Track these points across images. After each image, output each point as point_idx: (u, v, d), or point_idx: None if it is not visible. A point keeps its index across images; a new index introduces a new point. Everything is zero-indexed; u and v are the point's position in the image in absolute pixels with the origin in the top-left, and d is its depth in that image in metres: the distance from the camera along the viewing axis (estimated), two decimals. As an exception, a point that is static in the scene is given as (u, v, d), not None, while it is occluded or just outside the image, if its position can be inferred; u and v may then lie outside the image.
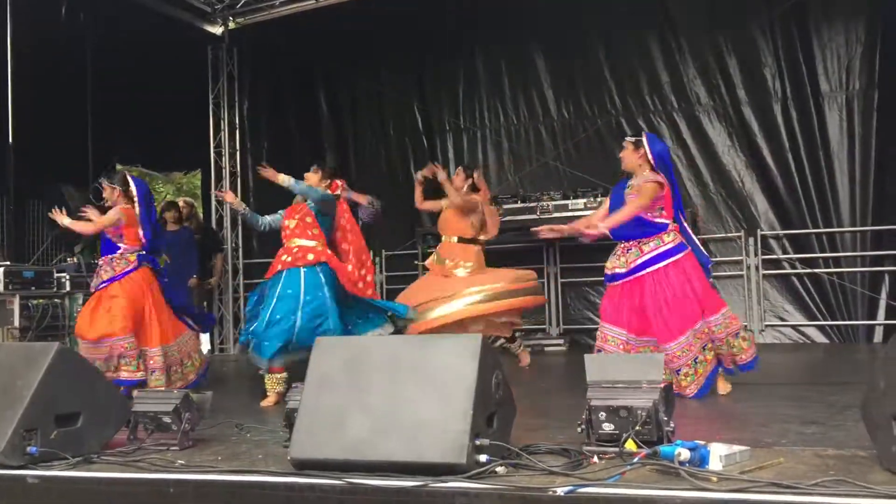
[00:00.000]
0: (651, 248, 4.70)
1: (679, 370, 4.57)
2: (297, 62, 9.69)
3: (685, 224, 4.88)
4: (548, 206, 7.71)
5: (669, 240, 4.71)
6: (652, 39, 8.51)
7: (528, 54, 9.01)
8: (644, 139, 4.85)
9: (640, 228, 4.72)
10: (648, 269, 4.67)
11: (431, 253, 6.82)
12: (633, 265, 4.71)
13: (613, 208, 4.84)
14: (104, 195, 5.68)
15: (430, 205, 6.76)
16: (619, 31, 8.60)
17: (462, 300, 6.21)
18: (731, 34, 8.20)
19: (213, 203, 9.92)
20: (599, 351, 4.77)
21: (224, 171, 9.92)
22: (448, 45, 9.22)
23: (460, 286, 6.28)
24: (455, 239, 6.52)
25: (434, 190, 6.73)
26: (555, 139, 8.93)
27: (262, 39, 9.58)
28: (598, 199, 7.92)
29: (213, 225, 9.79)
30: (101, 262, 5.60)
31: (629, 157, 4.85)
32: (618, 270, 4.78)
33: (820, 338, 7.85)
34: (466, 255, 6.44)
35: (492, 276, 6.41)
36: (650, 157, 4.76)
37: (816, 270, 7.84)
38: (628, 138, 4.93)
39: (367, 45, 9.17)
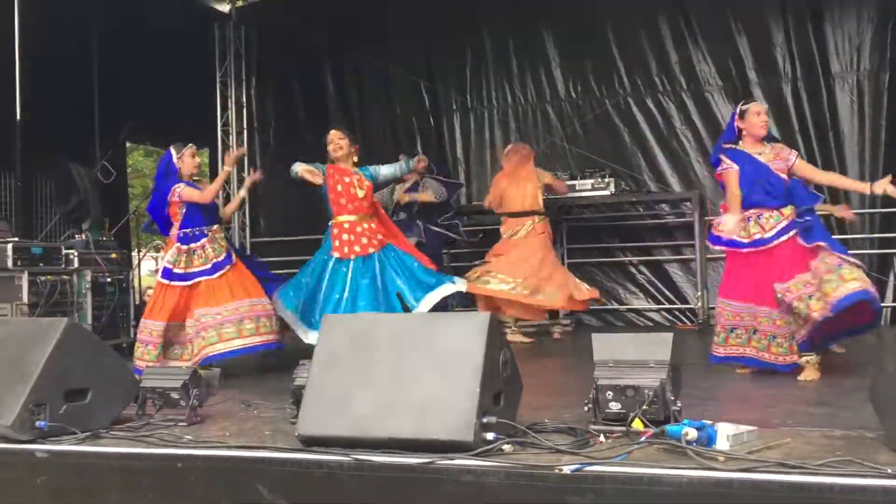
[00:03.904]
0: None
1: None
2: (305, 40, 9.63)
3: None
4: (555, 186, 7.66)
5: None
6: (661, 18, 8.43)
7: (536, 33, 8.94)
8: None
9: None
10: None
11: None
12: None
13: (753, 179, 4.68)
14: (184, 164, 5.57)
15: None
16: (629, 10, 8.51)
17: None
18: (741, 13, 8.11)
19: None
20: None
21: (231, 149, 9.89)
22: (456, 24, 9.15)
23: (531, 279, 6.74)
24: None
25: None
26: (562, 119, 8.88)
27: (269, 17, 9.55)
28: (606, 180, 7.91)
29: (221, 203, 9.77)
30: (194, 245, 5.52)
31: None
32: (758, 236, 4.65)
33: (827, 320, 7.82)
34: None
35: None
36: None
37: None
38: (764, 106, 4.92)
39: (374, 24, 9.12)
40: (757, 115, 4.72)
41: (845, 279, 4.25)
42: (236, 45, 9.91)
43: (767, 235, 4.61)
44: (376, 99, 9.72)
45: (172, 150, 5.61)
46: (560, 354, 6.71)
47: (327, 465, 2.76)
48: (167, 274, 5.40)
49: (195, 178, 5.69)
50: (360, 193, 5.46)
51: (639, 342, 3.17)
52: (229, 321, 5.34)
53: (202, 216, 5.50)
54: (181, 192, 5.44)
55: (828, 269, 4.31)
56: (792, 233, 4.56)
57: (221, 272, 5.44)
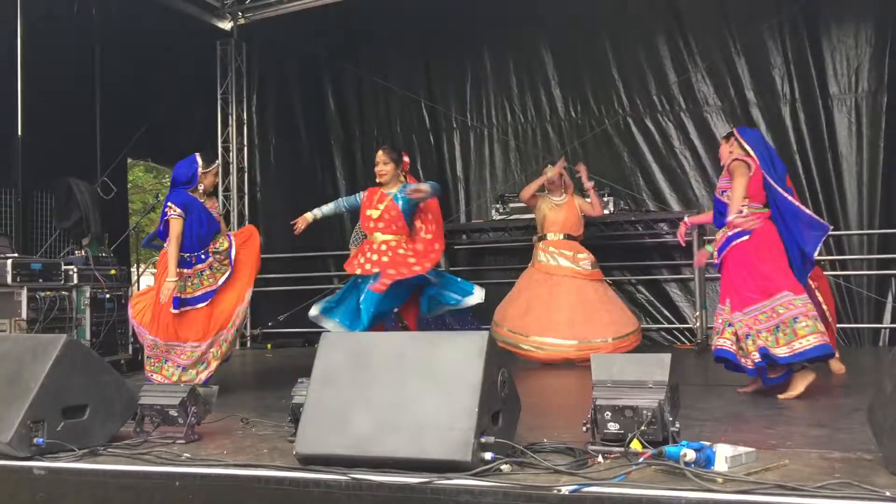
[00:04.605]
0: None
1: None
2: (305, 58, 9.69)
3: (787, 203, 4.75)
4: (554, 205, 7.66)
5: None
6: (660, 39, 8.48)
7: (535, 52, 8.99)
8: (734, 131, 4.94)
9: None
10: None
11: None
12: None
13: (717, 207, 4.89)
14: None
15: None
16: (628, 31, 8.58)
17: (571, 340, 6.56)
18: (740, 34, 8.16)
19: (221, 198, 9.93)
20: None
21: (231, 166, 9.93)
22: (456, 43, 9.20)
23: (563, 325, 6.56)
24: (562, 236, 6.99)
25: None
26: (562, 138, 8.91)
27: (270, 35, 9.59)
28: (605, 199, 7.92)
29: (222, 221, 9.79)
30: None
31: (724, 152, 4.90)
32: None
33: (825, 340, 7.81)
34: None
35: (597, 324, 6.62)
36: (744, 145, 4.78)
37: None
38: (721, 136, 5.07)
39: (374, 42, 9.16)
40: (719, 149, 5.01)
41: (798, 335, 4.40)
42: (237, 62, 9.95)
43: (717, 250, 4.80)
44: (376, 117, 9.76)
45: (200, 161, 5.36)
46: (558, 374, 6.69)
47: (325, 483, 2.76)
48: (176, 304, 5.19)
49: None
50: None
51: (637, 362, 3.17)
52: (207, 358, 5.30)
53: (191, 242, 5.30)
54: (170, 219, 5.25)
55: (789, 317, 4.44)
56: (728, 248, 4.65)
57: (209, 300, 5.30)
